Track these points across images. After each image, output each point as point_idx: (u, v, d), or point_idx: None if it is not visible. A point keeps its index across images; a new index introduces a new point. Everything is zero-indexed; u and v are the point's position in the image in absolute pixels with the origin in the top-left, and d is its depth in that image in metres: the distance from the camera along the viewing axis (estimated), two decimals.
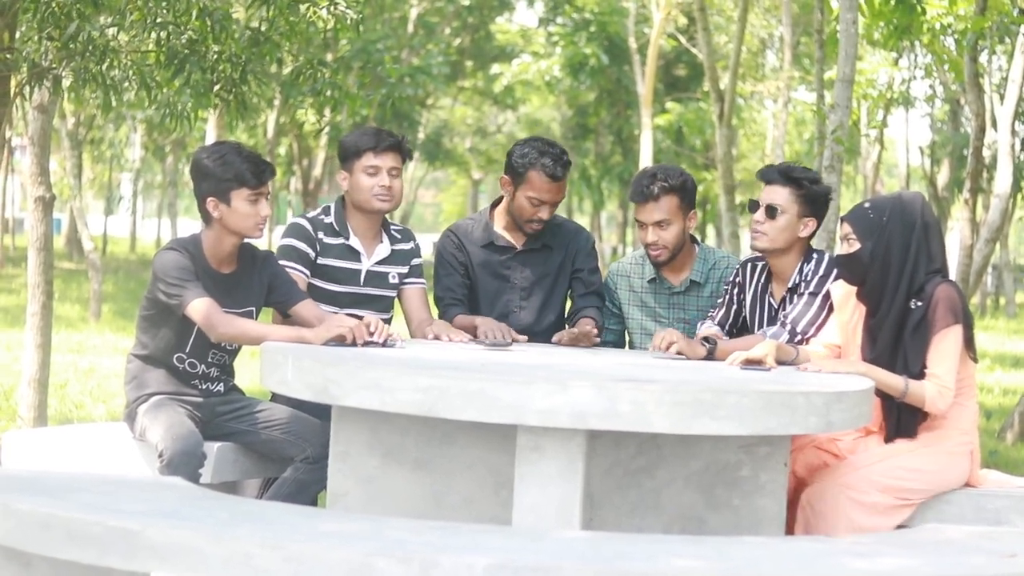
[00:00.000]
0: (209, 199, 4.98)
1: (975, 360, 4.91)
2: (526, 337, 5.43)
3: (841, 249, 4.92)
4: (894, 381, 4.73)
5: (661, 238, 5.55)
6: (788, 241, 5.28)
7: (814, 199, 5.28)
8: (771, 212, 5.25)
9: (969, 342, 4.83)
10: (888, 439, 4.87)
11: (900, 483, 4.72)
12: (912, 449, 4.80)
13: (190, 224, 46.45)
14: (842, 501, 4.65)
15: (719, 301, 5.57)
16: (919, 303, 4.78)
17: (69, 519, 3.44)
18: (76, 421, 8.99)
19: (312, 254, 5.45)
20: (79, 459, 5.09)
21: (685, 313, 5.70)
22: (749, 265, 5.52)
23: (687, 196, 5.57)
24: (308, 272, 5.44)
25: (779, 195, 5.26)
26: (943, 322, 4.72)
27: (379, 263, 5.55)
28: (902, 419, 4.83)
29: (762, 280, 5.44)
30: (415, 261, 5.67)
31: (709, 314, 5.58)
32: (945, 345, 4.73)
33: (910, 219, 4.82)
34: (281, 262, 5.37)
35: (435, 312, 5.76)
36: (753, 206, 5.32)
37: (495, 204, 5.85)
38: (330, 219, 5.52)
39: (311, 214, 5.58)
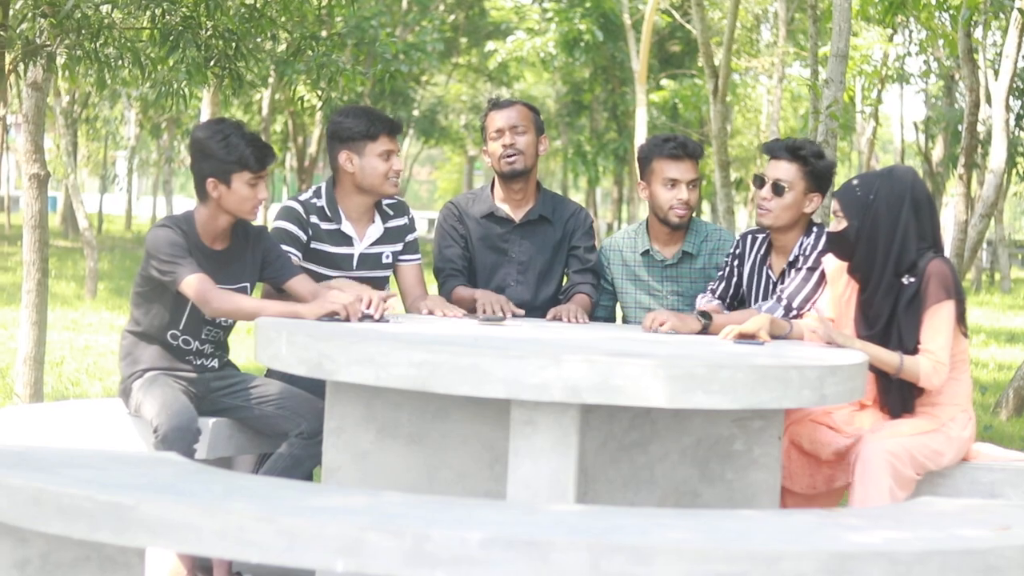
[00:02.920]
0: (209, 179, 4.96)
1: (966, 335, 4.91)
2: (523, 311, 5.43)
3: (831, 226, 4.92)
4: (889, 357, 4.73)
5: (692, 198, 5.63)
6: (794, 218, 5.29)
7: (820, 175, 5.28)
8: (778, 189, 5.24)
9: (961, 317, 4.83)
10: (894, 415, 4.86)
11: (925, 462, 4.72)
12: (934, 428, 4.78)
13: (186, 202, 46.38)
14: (884, 465, 4.62)
15: (719, 274, 5.57)
16: (912, 279, 4.78)
17: (60, 494, 3.43)
18: (72, 399, 8.99)
19: (304, 237, 5.41)
20: (74, 435, 5.08)
21: (678, 285, 5.71)
22: (750, 237, 5.51)
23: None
24: (301, 255, 5.40)
25: (786, 171, 5.25)
26: (935, 297, 4.72)
27: (372, 244, 5.51)
28: (900, 394, 4.83)
29: (762, 252, 5.44)
30: (410, 237, 5.63)
31: (710, 287, 5.58)
32: (938, 320, 4.73)
33: (898, 197, 4.80)
34: None
35: (433, 285, 5.76)
36: (759, 181, 5.32)
37: (495, 180, 5.86)
38: (322, 202, 5.47)
39: (303, 197, 5.51)
